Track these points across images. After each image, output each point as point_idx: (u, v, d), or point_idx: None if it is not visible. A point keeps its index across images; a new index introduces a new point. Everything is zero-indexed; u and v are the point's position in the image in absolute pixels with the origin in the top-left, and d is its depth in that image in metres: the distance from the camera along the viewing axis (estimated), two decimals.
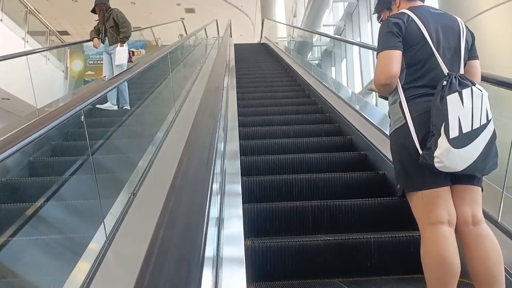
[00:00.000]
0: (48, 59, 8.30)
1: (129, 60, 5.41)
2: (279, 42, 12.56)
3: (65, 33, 17.53)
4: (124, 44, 5.45)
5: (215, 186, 1.63)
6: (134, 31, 11.94)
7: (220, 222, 1.71)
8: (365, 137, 3.48)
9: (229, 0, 19.08)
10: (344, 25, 10.82)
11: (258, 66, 9.03)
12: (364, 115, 3.77)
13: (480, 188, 1.61)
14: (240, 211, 1.98)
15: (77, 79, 9.98)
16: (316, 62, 10.83)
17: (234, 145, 3.07)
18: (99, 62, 10.34)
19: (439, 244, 1.49)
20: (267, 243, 2.08)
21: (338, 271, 2.07)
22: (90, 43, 5.83)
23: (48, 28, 9.60)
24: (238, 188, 2.30)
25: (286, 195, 2.82)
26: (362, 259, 2.11)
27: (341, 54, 8.97)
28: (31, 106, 5.32)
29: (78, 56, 10.40)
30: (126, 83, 4.96)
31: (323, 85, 5.63)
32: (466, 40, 1.72)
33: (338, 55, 9.37)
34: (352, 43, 8.32)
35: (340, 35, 10.93)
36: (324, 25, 12.56)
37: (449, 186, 1.57)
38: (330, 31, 12.22)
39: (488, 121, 1.55)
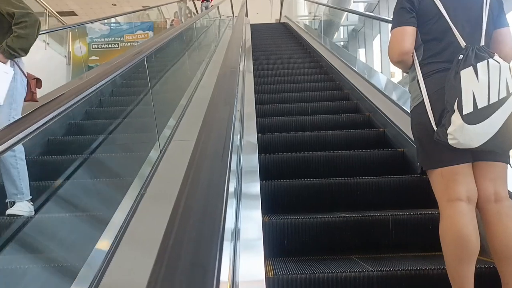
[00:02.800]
0: (48, 43, 7.53)
1: (29, 97, 2.53)
2: (301, 21, 11.52)
3: (72, 13, 16.73)
4: (8, 63, 2.38)
5: (233, 165, 1.64)
6: (139, 10, 11.63)
7: (238, 199, 1.73)
8: (383, 113, 3.43)
9: None
10: (378, 1, 9.91)
11: (284, 61, 6.78)
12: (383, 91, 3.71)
13: (505, 165, 1.57)
14: (257, 188, 1.99)
15: (81, 65, 9.30)
16: (342, 43, 9.96)
17: (252, 138, 2.78)
18: (103, 46, 9.88)
19: (457, 221, 1.48)
20: (285, 219, 2.10)
21: (355, 248, 2.08)
22: (94, 25, 5.42)
23: (46, 9, 8.63)
24: (256, 165, 2.31)
25: (303, 172, 2.82)
26: (380, 236, 2.11)
27: (373, 34, 8.01)
28: None
29: (81, 39, 9.69)
30: (21, 151, 2.39)
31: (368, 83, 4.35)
32: (491, 9, 1.64)
33: (369, 35, 8.43)
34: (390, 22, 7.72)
35: (372, 12, 9.86)
36: (354, 1, 11.20)
37: (470, 163, 1.55)
38: (360, 9, 10.78)
39: (509, 95, 1.49)
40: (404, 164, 2.83)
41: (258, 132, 3.02)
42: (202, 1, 12.75)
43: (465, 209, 1.50)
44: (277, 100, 4.43)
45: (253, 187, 1.99)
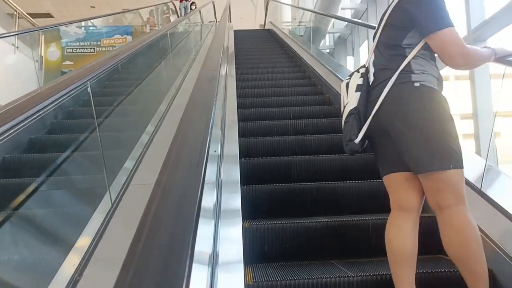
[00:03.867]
0: (17, 47, 6.97)
1: None
2: (286, 28, 11.14)
3: (48, 15, 15.75)
4: None
5: (212, 175, 1.59)
6: (116, 13, 11.01)
7: (218, 204, 1.70)
8: None
9: None
10: (367, 8, 9.38)
11: (269, 70, 6.33)
12: None
13: (435, 174, 1.48)
14: (238, 193, 1.97)
15: (54, 70, 8.72)
16: (328, 50, 9.95)
17: (233, 147, 2.59)
18: (78, 50, 9.25)
19: (386, 227, 1.63)
20: (265, 224, 2.08)
21: (336, 253, 2.07)
22: (69, 28, 5.07)
23: (16, 10, 8.03)
24: (237, 170, 2.29)
25: (284, 177, 2.81)
26: (360, 241, 2.11)
27: (359, 42, 8.10)
28: None
29: (54, 43, 9.12)
30: None
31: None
32: None
33: (356, 43, 8.49)
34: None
35: (360, 19, 9.34)
36: (342, 8, 10.65)
37: (404, 173, 1.58)
38: (347, 16, 10.32)
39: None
40: None
41: (240, 136, 3.00)
42: (181, 1, 12.10)
43: (392, 216, 1.61)
44: (259, 105, 4.41)
45: (234, 194, 1.96)
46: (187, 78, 4.55)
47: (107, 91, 4.84)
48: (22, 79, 6.74)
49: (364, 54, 7.94)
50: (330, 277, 1.68)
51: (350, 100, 1.65)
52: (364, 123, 1.61)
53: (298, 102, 4.52)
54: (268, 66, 6.71)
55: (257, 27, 16.94)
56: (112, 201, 2.00)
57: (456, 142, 1.51)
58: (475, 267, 1.46)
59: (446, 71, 2.04)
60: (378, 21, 1.73)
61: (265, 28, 12.72)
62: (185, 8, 11.84)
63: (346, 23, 9.20)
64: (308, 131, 3.59)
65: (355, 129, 1.61)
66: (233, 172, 2.17)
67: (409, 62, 1.57)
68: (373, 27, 4.81)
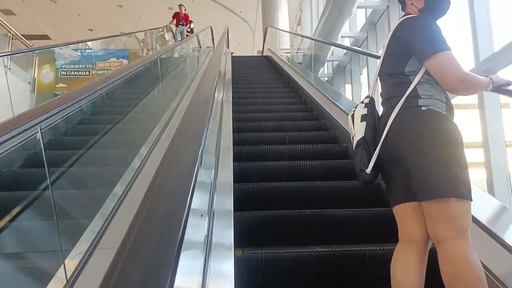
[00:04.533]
0: (9, 68, 6.75)
1: None
2: (284, 55, 10.76)
3: (45, 37, 15.77)
4: None
5: (203, 205, 1.52)
6: (111, 37, 10.87)
7: (209, 232, 1.64)
8: None
9: (227, 5, 17.95)
10: (367, 37, 9.29)
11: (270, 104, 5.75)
12: None
13: (437, 203, 1.41)
14: (231, 220, 1.91)
15: (47, 92, 8.47)
16: (326, 78, 9.88)
17: (227, 174, 2.45)
18: (72, 73, 9.14)
19: (392, 258, 1.59)
20: (258, 253, 2.01)
21: (331, 283, 2.00)
22: (64, 51, 4.84)
23: (10, 32, 7.81)
24: (230, 196, 2.23)
25: (279, 203, 2.75)
26: (356, 271, 2.04)
27: (360, 69, 7.83)
28: None
29: (48, 65, 8.92)
30: None
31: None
32: None
33: (356, 71, 8.26)
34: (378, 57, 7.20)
35: (359, 47, 9.20)
36: (341, 36, 10.41)
37: (410, 203, 1.54)
38: (346, 44, 10.18)
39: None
40: (382, 196, 2.79)
41: (234, 160, 2.95)
42: (177, 26, 11.61)
43: (399, 247, 1.57)
44: (255, 129, 4.38)
45: (226, 224, 1.89)
46: (181, 105, 4.35)
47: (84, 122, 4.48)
48: (14, 100, 6.42)
49: (365, 81, 7.79)
50: None
51: (356, 131, 1.64)
52: (374, 152, 1.58)
53: (294, 128, 4.48)
54: (266, 91, 6.62)
55: (255, 53, 17.01)
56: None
57: (464, 171, 1.44)
58: None
59: (456, 100, 2.02)
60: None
61: (264, 55, 12.50)
62: (181, 33, 11.48)
63: (345, 51, 9.14)
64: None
65: (365, 159, 1.58)
66: (226, 203, 2.07)
67: (415, 88, 1.54)
68: (373, 55, 4.63)
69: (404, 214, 1.55)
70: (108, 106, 4.63)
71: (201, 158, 0.97)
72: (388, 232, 2.33)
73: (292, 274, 2.01)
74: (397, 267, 1.52)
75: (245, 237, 2.28)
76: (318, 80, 6.63)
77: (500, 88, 1.76)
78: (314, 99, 5.54)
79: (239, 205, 2.53)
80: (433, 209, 1.43)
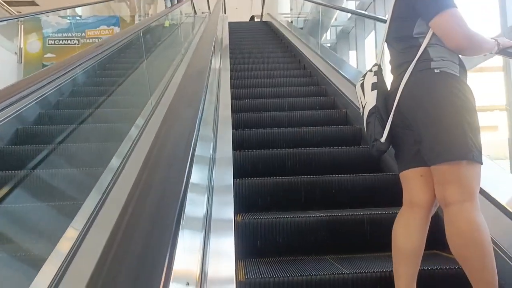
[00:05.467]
0: None
1: None
2: (284, 20, 9.83)
3: (32, 3, 15.19)
4: None
5: (204, 175, 1.51)
6: (103, 1, 10.33)
7: (209, 197, 1.64)
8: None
9: None
10: (374, 0, 8.51)
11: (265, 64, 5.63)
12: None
13: (447, 166, 1.40)
14: (230, 186, 1.91)
15: (34, 63, 7.99)
16: (329, 45, 9.37)
17: (227, 148, 2.35)
18: (60, 42, 8.58)
19: (394, 222, 1.59)
20: (258, 219, 2.03)
21: (330, 248, 2.03)
22: (50, 18, 4.45)
23: None
24: (229, 162, 2.23)
25: (278, 170, 2.75)
26: (355, 236, 2.07)
27: (364, 35, 7.54)
28: None
29: (35, 34, 8.37)
30: None
31: None
32: None
33: (360, 36, 7.90)
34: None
35: (366, 11, 8.45)
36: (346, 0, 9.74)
37: (417, 168, 1.53)
38: (351, 7, 9.17)
39: None
40: (380, 162, 2.80)
41: (233, 128, 2.93)
42: None
43: (402, 212, 1.57)
44: (253, 96, 4.33)
45: (226, 184, 1.90)
46: (177, 74, 4.09)
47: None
48: (1, 72, 6.28)
49: (369, 46, 7.50)
50: (324, 274, 1.64)
51: (367, 100, 1.60)
52: (387, 120, 1.55)
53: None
54: (265, 61, 6.03)
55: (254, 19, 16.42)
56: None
57: (476, 134, 1.41)
58: (481, 275, 1.35)
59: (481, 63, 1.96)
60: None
61: (263, 20, 11.61)
62: None
63: (349, 15, 8.75)
64: None
65: (378, 128, 1.55)
66: (226, 171, 2.05)
67: (426, 50, 1.50)
68: (380, 19, 4.45)
69: (412, 179, 1.53)
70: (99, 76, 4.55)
71: (199, 126, 0.96)
72: (386, 198, 2.37)
73: (291, 239, 2.03)
74: (399, 232, 1.53)
75: (245, 204, 2.30)
76: (321, 47, 6.00)
77: (505, 51, 1.72)
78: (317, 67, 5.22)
79: (239, 172, 2.54)
80: (444, 173, 1.42)
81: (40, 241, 1.95)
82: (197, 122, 0.95)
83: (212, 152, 2.02)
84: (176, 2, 9.81)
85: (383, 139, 1.54)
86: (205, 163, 1.65)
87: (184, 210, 0.58)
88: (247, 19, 14.72)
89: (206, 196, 1.50)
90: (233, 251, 1.42)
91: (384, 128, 1.54)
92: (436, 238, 1.71)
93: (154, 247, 0.49)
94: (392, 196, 2.34)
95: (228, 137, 2.49)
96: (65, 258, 1.57)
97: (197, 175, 1.30)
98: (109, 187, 2.04)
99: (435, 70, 1.47)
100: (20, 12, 9.12)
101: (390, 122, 1.54)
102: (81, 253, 1.59)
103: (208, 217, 1.54)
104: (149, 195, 0.57)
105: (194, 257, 1.08)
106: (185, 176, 0.63)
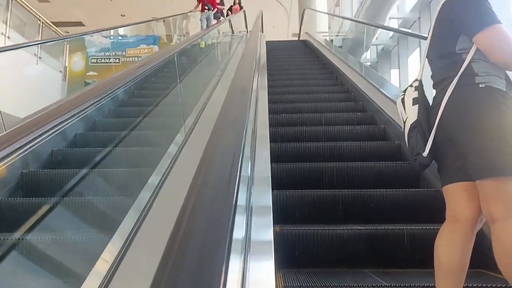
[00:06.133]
0: (40, 57, 6.54)
1: None
2: (322, 38, 9.63)
3: (79, 23, 15.23)
4: None
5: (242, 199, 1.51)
6: (141, 23, 9.91)
7: (248, 208, 1.68)
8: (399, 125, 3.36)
9: None
10: (419, 17, 8.45)
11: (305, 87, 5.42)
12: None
13: (490, 181, 1.38)
14: (269, 198, 1.94)
15: (77, 81, 8.35)
16: (369, 63, 9.00)
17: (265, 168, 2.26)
18: (102, 61, 8.95)
19: (436, 238, 1.56)
20: (296, 230, 2.05)
21: (368, 262, 2.02)
22: (94, 38, 4.35)
23: (40, 20, 7.60)
24: (268, 175, 2.26)
25: (316, 183, 2.77)
26: (394, 250, 2.04)
27: (408, 53, 7.40)
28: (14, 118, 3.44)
29: (79, 53, 8.70)
30: None
31: None
32: None
33: (403, 54, 7.77)
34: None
35: (410, 29, 8.34)
36: (390, 18, 9.70)
37: (461, 182, 1.50)
38: (393, 26, 9.34)
39: None
40: (420, 177, 2.76)
41: (271, 141, 2.97)
42: (202, 11, 10.30)
43: (445, 227, 1.54)
44: (291, 111, 4.37)
45: (265, 196, 1.93)
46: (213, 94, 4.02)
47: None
48: (45, 89, 6.48)
49: (412, 64, 7.35)
50: (363, 285, 1.63)
51: (408, 114, 1.60)
52: (429, 135, 1.55)
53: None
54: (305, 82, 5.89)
55: (291, 37, 16.36)
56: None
57: None
58: None
59: None
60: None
61: (301, 39, 11.54)
62: (208, 19, 10.13)
63: (392, 34, 8.57)
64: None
65: (420, 143, 1.55)
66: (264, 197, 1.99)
67: (470, 66, 1.49)
68: (424, 37, 4.24)
69: (455, 193, 1.51)
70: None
71: (244, 147, 0.98)
72: (427, 213, 2.33)
73: (330, 251, 2.04)
74: (441, 248, 1.50)
75: (283, 216, 2.32)
76: (360, 65, 5.85)
77: None
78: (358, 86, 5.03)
79: (277, 184, 2.57)
80: (489, 188, 1.40)
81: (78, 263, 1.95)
82: (242, 143, 0.98)
83: (251, 171, 2.06)
84: (212, 23, 9.98)
85: (425, 153, 1.53)
86: (244, 183, 1.67)
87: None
88: (284, 38, 14.80)
89: (245, 217, 1.53)
90: (273, 276, 1.42)
91: (426, 143, 1.54)
92: (481, 257, 1.68)
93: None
94: (433, 213, 2.31)
95: (266, 155, 2.50)
96: (102, 280, 1.53)
97: (240, 197, 1.32)
98: (147, 205, 2.00)
99: (480, 85, 1.46)
100: (68, 32, 9.66)
101: (433, 137, 1.53)
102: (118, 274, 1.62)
103: (247, 239, 1.57)
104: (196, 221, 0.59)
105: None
106: (234, 201, 0.66)
